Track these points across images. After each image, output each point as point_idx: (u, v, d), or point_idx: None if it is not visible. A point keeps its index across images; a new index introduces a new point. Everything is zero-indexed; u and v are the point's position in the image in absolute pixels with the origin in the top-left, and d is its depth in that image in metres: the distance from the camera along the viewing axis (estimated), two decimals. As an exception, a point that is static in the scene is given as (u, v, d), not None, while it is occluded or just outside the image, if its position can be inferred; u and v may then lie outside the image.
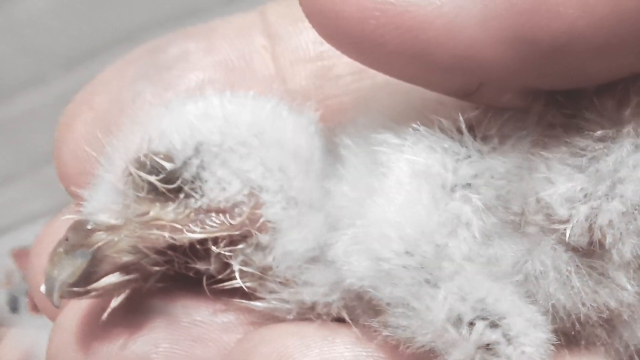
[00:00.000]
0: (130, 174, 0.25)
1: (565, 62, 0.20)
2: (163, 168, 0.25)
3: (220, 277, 0.25)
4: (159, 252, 0.25)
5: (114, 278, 0.25)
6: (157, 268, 0.26)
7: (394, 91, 0.24)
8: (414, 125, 0.23)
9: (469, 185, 0.23)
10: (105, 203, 0.25)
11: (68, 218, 0.26)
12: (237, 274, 0.25)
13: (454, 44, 0.20)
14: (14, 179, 0.75)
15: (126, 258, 0.25)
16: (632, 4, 0.19)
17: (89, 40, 0.71)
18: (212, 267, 0.25)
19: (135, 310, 0.26)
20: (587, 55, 0.20)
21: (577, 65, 0.20)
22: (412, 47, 0.20)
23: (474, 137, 0.23)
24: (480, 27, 0.20)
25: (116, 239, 0.25)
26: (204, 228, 0.25)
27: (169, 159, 0.25)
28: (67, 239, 0.25)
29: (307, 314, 0.25)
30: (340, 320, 0.25)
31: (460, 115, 0.23)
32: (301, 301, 0.25)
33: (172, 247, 0.25)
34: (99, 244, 0.24)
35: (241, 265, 0.25)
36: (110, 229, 0.25)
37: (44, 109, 0.72)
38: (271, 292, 0.25)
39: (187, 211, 0.25)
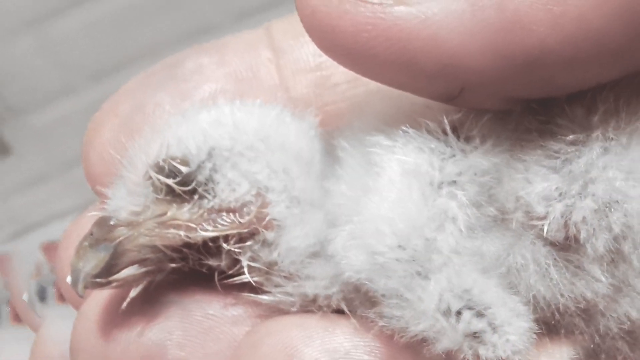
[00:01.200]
0: (150, 177, 0.26)
1: (538, 74, 0.21)
2: (180, 172, 0.26)
3: (230, 272, 0.26)
4: (175, 249, 0.26)
5: (133, 270, 0.26)
6: (173, 265, 0.26)
7: (385, 97, 0.25)
8: (404, 128, 0.24)
9: (454, 182, 0.23)
10: (127, 202, 0.26)
11: (93, 215, 0.27)
12: (245, 269, 0.26)
13: (438, 53, 0.21)
14: (45, 179, 0.76)
15: (145, 253, 0.26)
16: (596, 22, 0.20)
17: (115, 55, 0.72)
18: (223, 263, 0.26)
19: (152, 301, 0.27)
20: (557, 68, 0.21)
21: (549, 77, 0.22)
22: (401, 56, 0.21)
23: (458, 137, 0.24)
24: (462, 39, 0.21)
25: (136, 234, 0.26)
26: (216, 227, 0.26)
27: (185, 163, 0.26)
28: (91, 234, 0.26)
29: (309, 306, 0.26)
30: (339, 311, 0.26)
31: (444, 117, 0.24)
32: (304, 294, 0.26)
33: (187, 245, 0.26)
34: (120, 238, 0.26)
35: (249, 261, 0.26)
36: (131, 224, 0.26)
37: (74, 116, 0.72)
38: (276, 285, 0.26)
39: (200, 211, 0.26)
